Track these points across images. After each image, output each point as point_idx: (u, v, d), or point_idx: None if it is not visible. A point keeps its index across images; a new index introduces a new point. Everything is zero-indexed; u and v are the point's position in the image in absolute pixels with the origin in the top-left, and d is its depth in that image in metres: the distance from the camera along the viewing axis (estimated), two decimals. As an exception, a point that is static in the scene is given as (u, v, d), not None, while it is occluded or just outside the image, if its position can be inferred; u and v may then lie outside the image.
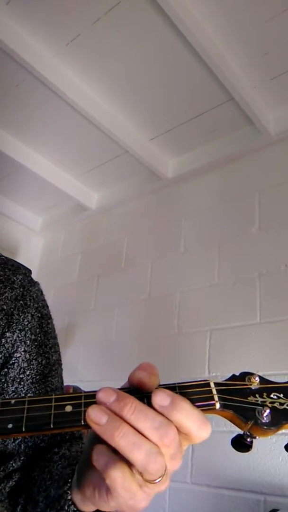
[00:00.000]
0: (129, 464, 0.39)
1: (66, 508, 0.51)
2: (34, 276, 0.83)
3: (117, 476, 0.38)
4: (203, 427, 0.40)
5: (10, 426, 0.43)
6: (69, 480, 0.53)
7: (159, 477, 0.39)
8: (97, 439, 0.43)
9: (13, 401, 0.44)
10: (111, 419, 0.39)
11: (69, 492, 0.52)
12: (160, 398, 0.39)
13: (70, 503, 0.51)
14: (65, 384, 0.81)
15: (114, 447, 0.39)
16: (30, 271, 0.84)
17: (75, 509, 0.50)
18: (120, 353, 2.24)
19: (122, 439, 0.38)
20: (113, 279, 2.53)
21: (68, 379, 1.49)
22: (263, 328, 1.81)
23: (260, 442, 1.62)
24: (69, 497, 0.51)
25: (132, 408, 0.39)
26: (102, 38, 1.73)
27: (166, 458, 0.39)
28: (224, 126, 2.13)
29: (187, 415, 0.39)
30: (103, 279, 2.60)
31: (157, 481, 0.39)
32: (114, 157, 2.40)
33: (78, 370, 2.39)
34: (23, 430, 0.43)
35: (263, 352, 1.76)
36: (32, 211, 3.05)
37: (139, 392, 0.43)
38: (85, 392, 0.44)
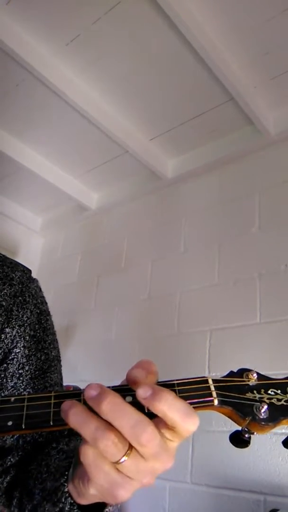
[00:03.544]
0: None
1: (63, 500, 0.51)
2: (34, 276, 0.83)
3: (88, 451, 0.40)
4: (187, 419, 0.39)
5: (10, 423, 0.43)
6: (66, 473, 0.53)
7: (120, 456, 0.39)
8: None
9: (12, 398, 0.45)
10: (73, 403, 0.40)
11: (65, 484, 0.52)
12: (143, 390, 0.39)
13: (67, 495, 0.51)
14: (65, 383, 0.81)
15: (71, 426, 0.40)
16: (30, 271, 0.84)
17: (72, 501, 0.50)
18: (120, 353, 2.24)
19: (73, 416, 0.39)
20: (113, 279, 2.53)
21: (68, 379, 1.48)
22: (263, 328, 1.81)
23: (260, 442, 1.62)
24: (65, 489, 0.51)
25: (110, 404, 0.39)
26: (102, 38, 1.73)
27: (147, 457, 0.39)
28: (224, 126, 2.13)
29: (169, 406, 0.39)
30: (103, 279, 2.60)
31: (121, 460, 0.39)
32: (114, 157, 2.40)
33: (78, 370, 2.39)
34: (23, 427, 0.43)
35: (263, 352, 1.76)
36: (32, 211, 3.05)
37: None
38: (84, 389, 0.44)
